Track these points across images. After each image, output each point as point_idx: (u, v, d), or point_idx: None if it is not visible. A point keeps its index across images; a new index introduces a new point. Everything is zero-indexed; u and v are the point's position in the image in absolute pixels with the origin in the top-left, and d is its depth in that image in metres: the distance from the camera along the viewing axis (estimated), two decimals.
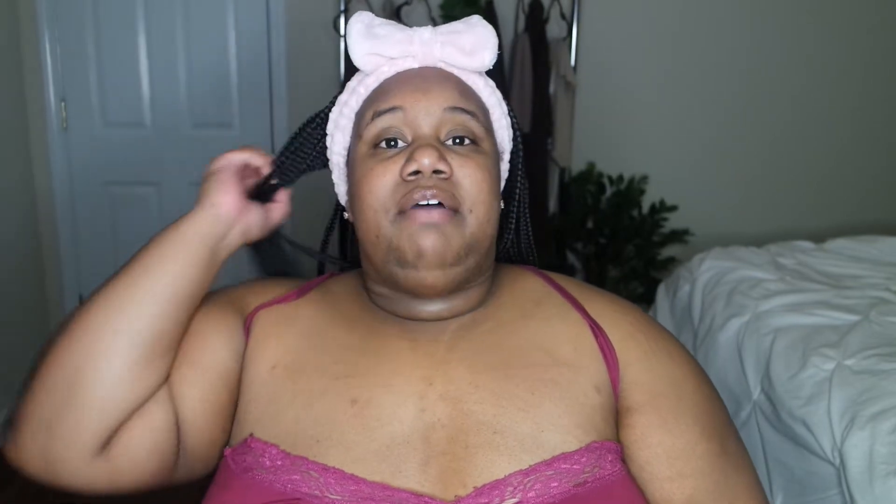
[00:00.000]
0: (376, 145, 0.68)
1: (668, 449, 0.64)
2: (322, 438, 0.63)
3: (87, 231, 2.88)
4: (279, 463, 0.62)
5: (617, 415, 0.67)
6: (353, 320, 0.72)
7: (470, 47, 0.70)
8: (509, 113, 0.75)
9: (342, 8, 2.66)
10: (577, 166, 2.92)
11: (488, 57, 0.70)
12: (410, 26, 0.72)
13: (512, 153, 0.76)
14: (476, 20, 0.71)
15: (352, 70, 0.73)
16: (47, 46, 2.70)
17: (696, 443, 0.65)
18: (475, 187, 0.65)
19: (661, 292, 2.33)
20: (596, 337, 0.69)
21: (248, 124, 2.86)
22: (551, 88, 2.76)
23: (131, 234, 2.90)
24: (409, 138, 0.67)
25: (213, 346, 0.69)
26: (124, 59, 2.77)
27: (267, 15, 2.78)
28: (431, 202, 0.64)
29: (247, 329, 0.72)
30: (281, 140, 2.85)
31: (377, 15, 0.71)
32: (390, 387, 0.65)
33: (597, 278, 2.89)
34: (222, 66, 2.81)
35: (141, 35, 2.76)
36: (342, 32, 2.66)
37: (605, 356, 0.68)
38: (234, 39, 2.80)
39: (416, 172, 0.64)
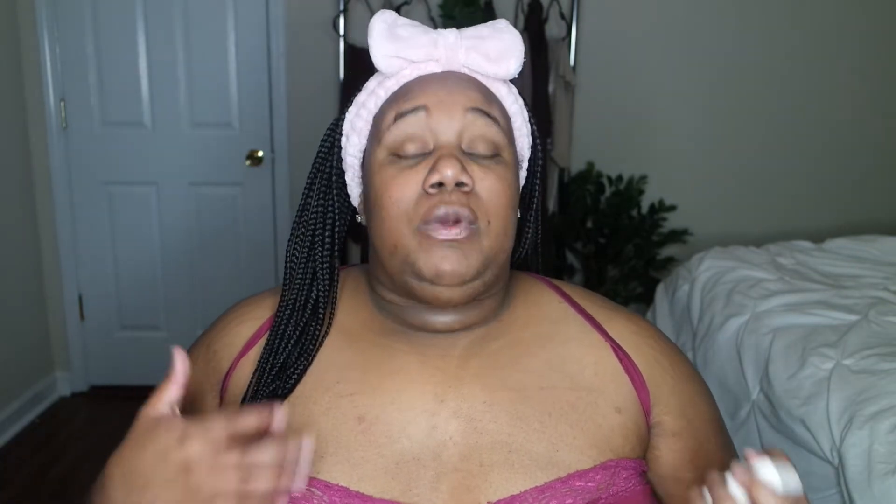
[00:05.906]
0: (396, 153, 0.65)
1: (713, 467, 0.70)
2: (326, 455, 0.61)
3: (86, 230, 2.88)
4: None
5: (648, 435, 0.68)
6: (353, 335, 0.69)
7: (495, 54, 0.68)
8: (530, 120, 0.73)
9: (341, 8, 2.66)
10: (576, 166, 2.92)
11: (514, 65, 0.68)
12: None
13: (530, 161, 0.75)
14: (503, 25, 0.69)
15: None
16: (47, 46, 2.70)
17: (724, 458, 0.70)
18: (494, 200, 0.64)
19: (661, 292, 2.33)
20: (620, 359, 0.69)
21: (248, 124, 2.86)
22: (550, 88, 2.75)
23: (130, 233, 2.91)
24: (431, 146, 0.65)
25: None
26: (123, 58, 2.77)
27: (266, 15, 2.78)
28: (451, 217, 0.62)
29: (225, 387, 0.70)
30: (280, 140, 2.85)
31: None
32: (399, 403, 0.64)
33: (596, 278, 2.89)
34: (222, 66, 2.81)
35: (140, 35, 2.76)
36: (341, 32, 2.66)
37: (631, 378, 0.68)
38: (234, 39, 2.80)
39: (439, 184, 0.62)
